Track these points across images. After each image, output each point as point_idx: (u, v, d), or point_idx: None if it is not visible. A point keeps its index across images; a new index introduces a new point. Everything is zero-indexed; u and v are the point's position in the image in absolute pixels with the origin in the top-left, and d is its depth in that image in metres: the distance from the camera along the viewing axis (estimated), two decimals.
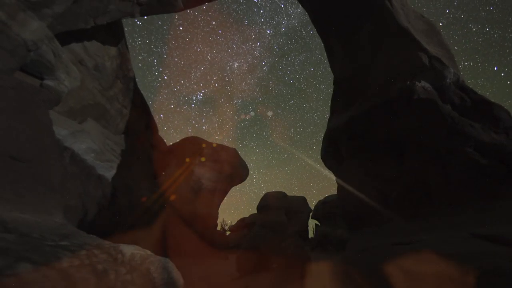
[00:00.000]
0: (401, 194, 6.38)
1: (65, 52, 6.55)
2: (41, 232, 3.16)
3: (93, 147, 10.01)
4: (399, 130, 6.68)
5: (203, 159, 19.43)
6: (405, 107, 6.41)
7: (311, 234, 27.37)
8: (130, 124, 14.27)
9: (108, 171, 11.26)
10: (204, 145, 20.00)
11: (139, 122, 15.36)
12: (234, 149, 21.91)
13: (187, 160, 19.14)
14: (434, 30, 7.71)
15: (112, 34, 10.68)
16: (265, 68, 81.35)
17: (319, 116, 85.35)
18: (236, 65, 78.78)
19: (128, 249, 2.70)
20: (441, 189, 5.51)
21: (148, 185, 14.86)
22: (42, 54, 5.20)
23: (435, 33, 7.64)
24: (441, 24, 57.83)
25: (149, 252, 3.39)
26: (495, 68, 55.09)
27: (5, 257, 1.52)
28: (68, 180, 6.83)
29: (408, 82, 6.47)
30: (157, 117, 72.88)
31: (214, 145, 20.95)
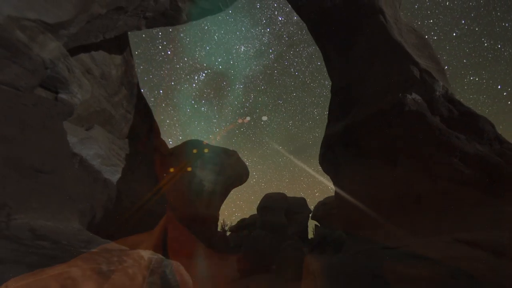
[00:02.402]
0: (393, 200, 6.79)
1: (78, 66, 6.95)
2: (67, 238, 3.56)
3: (100, 152, 10.42)
4: (392, 140, 7.08)
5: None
6: (397, 118, 6.82)
7: (311, 235, 27.76)
8: (134, 129, 14.67)
9: (114, 175, 11.69)
10: (205, 148, 20.42)
11: (142, 126, 15.75)
12: (235, 152, 22.34)
13: (189, 162, 19.55)
14: (426, 44, 8.12)
15: (118, 43, 11.08)
16: (271, 56, 79.80)
17: (319, 112, 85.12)
18: (243, 49, 77.02)
19: (146, 254, 3.10)
20: (429, 196, 5.92)
21: (151, 188, 15.26)
22: (58, 71, 5.60)
23: (426, 46, 8.05)
24: (454, 34, 57.72)
25: (161, 256, 3.79)
26: (499, 87, 55.11)
27: (59, 263, 1.91)
28: (78, 186, 7.22)
29: (400, 94, 6.87)
30: (156, 92, 71.76)
31: (216, 146, 21.37)
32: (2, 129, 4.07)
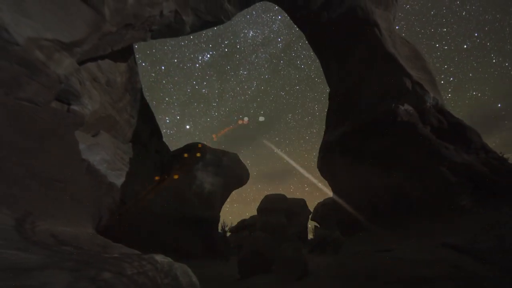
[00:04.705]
0: (387, 205, 7.15)
1: (86, 77, 7.31)
2: (85, 244, 3.93)
3: (106, 157, 10.81)
4: (386, 147, 7.45)
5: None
6: (390, 128, 7.19)
7: (310, 236, 28.10)
8: (137, 133, 15.08)
9: (118, 179, 12.09)
10: (206, 150, 20.78)
11: (145, 130, 16.15)
12: (236, 154, 22.70)
13: (190, 164, 19.90)
14: (418, 56, 8.48)
15: (123, 52, 11.45)
16: (279, 45, 77.22)
17: (319, 109, 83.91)
18: (251, 34, 72.84)
19: (158, 258, 3.45)
20: (420, 202, 6.28)
21: (152, 190, 15.67)
22: (71, 85, 5.97)
23: (419, 58, 8.41)
24: (465, 46, 57.01)
25: (170, 259, 4.15)
26: (499, 105, 54.66)
27: (91, 268, 2.26)
28: (88, 191, 7.59)
29: (393, 105, 7.24)
30: (157, 67, 70.57)
31: (216, 149, 21.73)
32: (24, 142, 4.44)
